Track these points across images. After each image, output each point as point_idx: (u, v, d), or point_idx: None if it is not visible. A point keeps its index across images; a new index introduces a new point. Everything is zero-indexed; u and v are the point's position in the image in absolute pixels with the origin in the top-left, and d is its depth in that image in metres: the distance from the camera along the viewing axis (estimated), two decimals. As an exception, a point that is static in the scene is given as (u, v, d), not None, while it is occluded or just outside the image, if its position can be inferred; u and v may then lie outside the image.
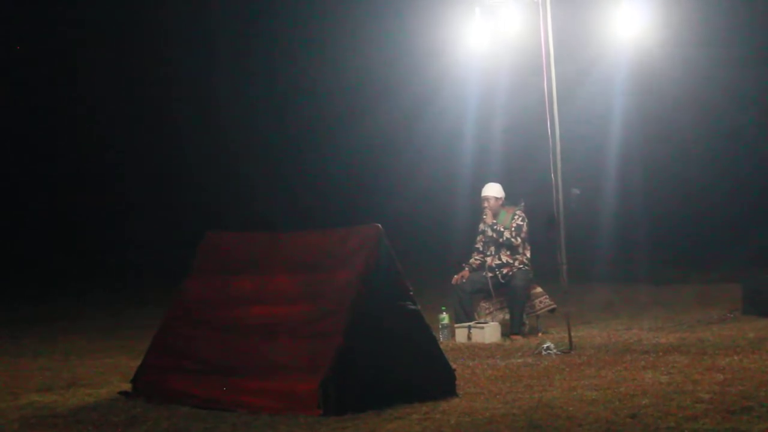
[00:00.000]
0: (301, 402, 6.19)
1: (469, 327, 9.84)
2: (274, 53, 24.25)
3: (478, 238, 10.49)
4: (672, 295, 13.52)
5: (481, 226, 10.48)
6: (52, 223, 23.22)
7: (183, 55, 24.07)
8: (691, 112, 20.32)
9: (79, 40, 23.81)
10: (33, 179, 23.72)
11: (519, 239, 10.26)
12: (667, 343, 9.02)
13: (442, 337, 9.75)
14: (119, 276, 19.79)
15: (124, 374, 7.62)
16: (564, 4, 9.41)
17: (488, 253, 10.38)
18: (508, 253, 10.29)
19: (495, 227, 10.34)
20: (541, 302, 10.30)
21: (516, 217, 10.32)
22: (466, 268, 10.40)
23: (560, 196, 9.11)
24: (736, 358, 7.88)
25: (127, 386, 7.16)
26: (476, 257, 10.45)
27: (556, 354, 8.54)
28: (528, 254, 10.32)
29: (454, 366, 7.01)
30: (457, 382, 6.87)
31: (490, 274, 10.28)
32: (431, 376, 6.71)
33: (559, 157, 9.14)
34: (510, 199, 10.53)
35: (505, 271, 10.25)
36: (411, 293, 6.73)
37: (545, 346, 8.71)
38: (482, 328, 9.80)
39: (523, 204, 10.46)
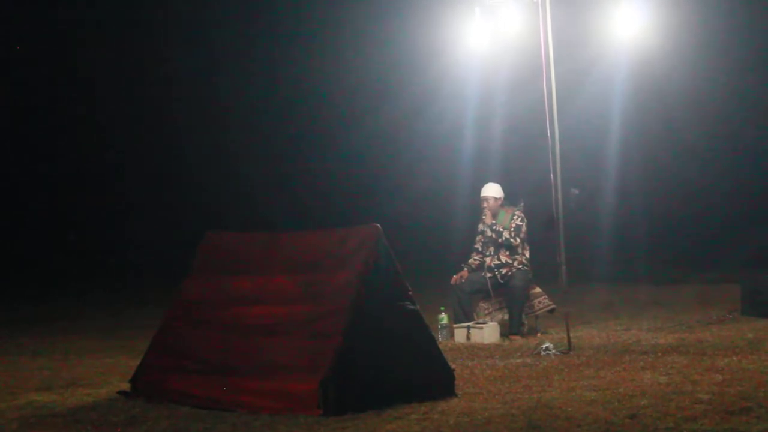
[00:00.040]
0: (301, 402, 6.20)
1: (468, 327, 9.84)
2: (274, 53, 24.26)
3: (477, 239, 10.50)
4: (671, 296, 13.53)
5: (480, 227, 10.48)
6: (52, 223, 23.22)
7: (183, 55, 24.08)
8: (691, 112, 20.32)
9: (79, 40, 23.81)
10: (33, 179, 23.73)
11: (518, 239, 10.26)
12: (666, 343, 9.02)
13: (441, 337, 9.76)
14: (119, 276, 19.81)
15: (124, 374, 7.61)
16: (564, 5, 9.42)
17: (487, 254, 10.38)
18: (507, 253, 10.30)
19: (494, 227, 10.35)
20: (540, 302, 10.31)
21: (515, 217, 10.33)
22: (465, 269, 10.40)
23: (559, 196, 9.12)
24: (735, 358, 7.88)
25: (126, 386, 7.16)
26: (475, 257, 10.45)
27: (555, 354, 8.54)
28: (527, 254, 10.32)
29: (453, 366, 7.01)
30: (456, 382, 6.87)
31: (489, 275, 10.29)
32: (430, 376, 6.72)
33: (558, 157, 9.14)
34: (509, 200, 10.53)
35: (504, 271, 10.25)
36: (410, 293, 6.74)
37: (544, 346, 8.72)
38: (481, 328, 9.80)
39: (522, 204, 10.46)
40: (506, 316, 10.22)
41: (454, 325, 10.00)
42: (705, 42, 18.71)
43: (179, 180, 24.02)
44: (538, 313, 10.31)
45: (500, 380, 7.37)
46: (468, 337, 9.75)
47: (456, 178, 20.54)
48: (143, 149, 23.99)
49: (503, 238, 10.27)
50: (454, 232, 16.41)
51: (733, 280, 12.23)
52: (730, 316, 10.80)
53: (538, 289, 10.34)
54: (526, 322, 10.21)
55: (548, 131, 9.14)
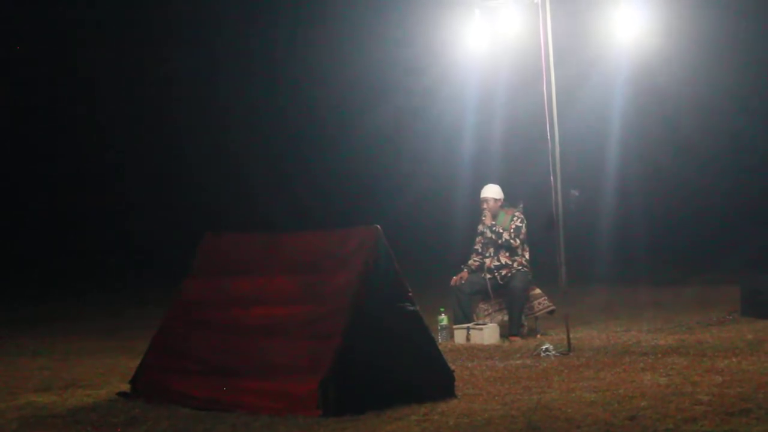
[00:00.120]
0: (301, 402, 6.20)
1: (468, 328, 9.85)
2: (274, 53, 24.26)
3: (477, 240, 10.50)
4: (671, 297, 13.53)
5: (480, 228, 10.48)
6: (52, 223, 23.22)
7: (183, 55, 24.08)
8: (691, 113, 20.35)
9: (79, 40, 23.81)
10: (33, 179, 23.72)
11: (518, 241, 10.26)
12: (666, 344, 9.02)
13: (440, 338, 9.76)
14: (119, 276, 19.80)
15: (124, 375, 7.62)
16: (563, 6, 9.42)
17: (487, 255, 10.38)
18: (507, 254, 10.30)
19: (494, 229, 10.35)
20: (540, 303, 10.31)
21: (515, 218, 10.33)
22: (465, 270, 10.40)
23: (559, 198, 9.12)
24: (734, 360, 7.88)
25: (126, 387, 7.16)
26: (475, 258, 10.45)
27: (554, 355, 8.54)
28: (527, 256, 10.32)
29: (452, 367, 7.01)
30: (455, 384, 6.87)
31: (488, 276, 10.29)
32: (430, 377, 6.72)
33: (558, 158, 9.14)
34: (509, 201, 10.53)
35: (503, 272, 10.26)
36: (410, 294, 6.74)
37: (544, 347, 8.72)
38: (481, 329, 9.80)
39: (522, 205, 10.46)
40: (506, 318, 10.22)
41: (454, 326, 10.00)
42: (705, 43, 18.71)
43: (179, 180, 24.01)
44: (537, 314, 10.31)
45: (500, 381, 7.37)
46: (468, 338, 9.75)
47: (456, 178, 20.56)
48: (143, 149, 23.98)
49: (503, 240, 10.28)
50: (454, 232, 16.41)
51: (733, 280, 12.23)
52: (730, 317, 10.80)
53: (537, 291, 10.35)
54: (525, 323, 10.21)
55: (548, 133, 9.14)
